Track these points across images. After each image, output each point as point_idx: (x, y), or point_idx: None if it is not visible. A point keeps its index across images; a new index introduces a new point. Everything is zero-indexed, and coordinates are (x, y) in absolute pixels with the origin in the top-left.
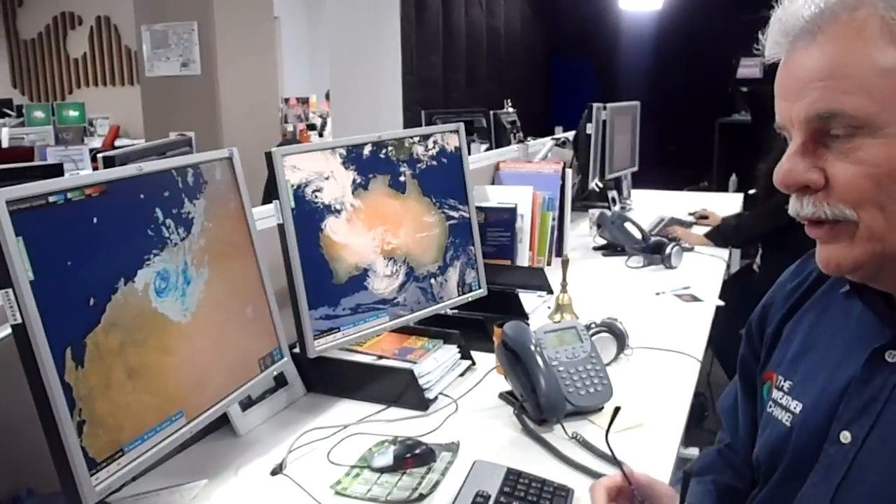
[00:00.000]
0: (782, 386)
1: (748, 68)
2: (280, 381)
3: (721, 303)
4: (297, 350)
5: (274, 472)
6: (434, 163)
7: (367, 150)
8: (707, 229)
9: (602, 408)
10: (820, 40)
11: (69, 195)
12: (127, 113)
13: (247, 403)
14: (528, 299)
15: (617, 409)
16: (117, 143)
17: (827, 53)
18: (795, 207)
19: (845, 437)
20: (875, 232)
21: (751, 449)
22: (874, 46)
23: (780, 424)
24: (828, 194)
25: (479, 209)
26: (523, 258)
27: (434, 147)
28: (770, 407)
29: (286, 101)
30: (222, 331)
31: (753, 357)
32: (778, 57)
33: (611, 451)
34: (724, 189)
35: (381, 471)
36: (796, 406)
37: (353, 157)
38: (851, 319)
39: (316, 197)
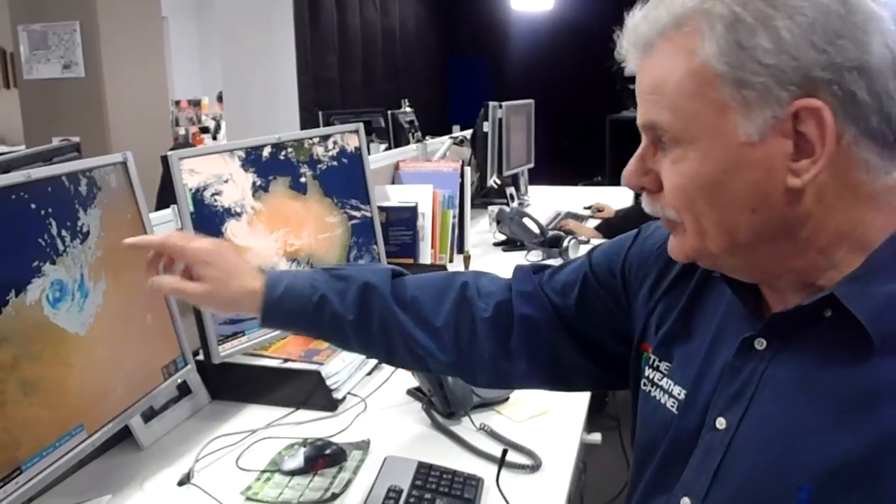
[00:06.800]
0: (658, 366)
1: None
2: (183, 390)
3: None
4: (200, 357)
5: (181, 483)
6: (335, 163)
7: (266, 152)
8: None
9: (508, 398)
10: (651, 55)
11: None
12: (3, 117)
13: (149, 415)
14: None
15: (505, 452)
16: None
17: (652, 69)
18: (644, 204)
19: (721, 423)
20: (698, 231)
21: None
22: (684, 69)
23: (666, 410)
24: (660, 197)
25: (381, 209)
26: (426, 256)
27: (334, 147)
28: (646, 385)
29: (177, 103)
30: (122, 340)
31: (603, 288)
32: (635, 68)
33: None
34: (617, 183)
35: (293, 473)
36: (680, 392)
37: (252, 159)
38: (723, 304)
39: (215, 200)
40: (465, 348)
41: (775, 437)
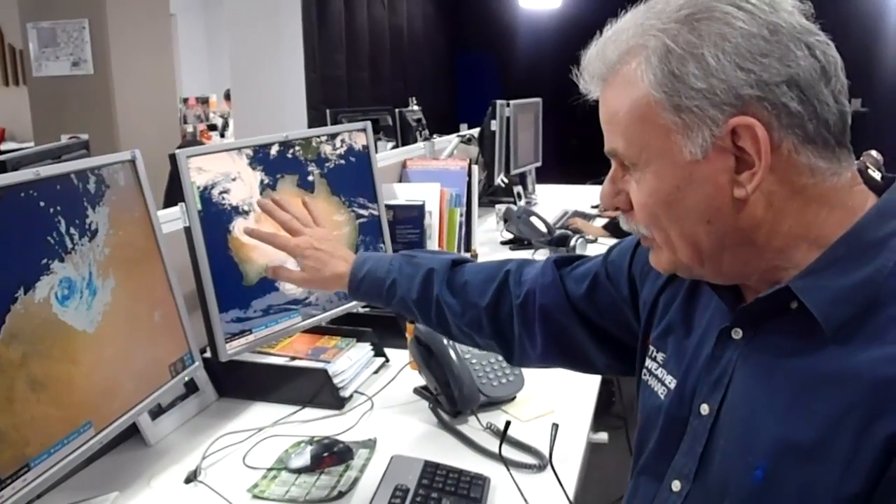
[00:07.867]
0: (655, 357)
1: None
2: (190, 387)
3: None
4: (207, 355)
5: (188, 480)
6: (342, 161)
7: (274, 150)
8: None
9: (514, 397)
10: (605, 88)
11: None
12: (12, 114)
13: (156, 412)
14: None
15: (507, 424)
16: (3, 146)
17: (608, 100)
18: (621, 223)
19: (704, 409)
20: (668, 244)
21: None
22: (630, 99)
23: (656, 397)
24: (633, 215)
25: (388, 207)
26: None
27: (342, 146)
28: (645, 375)
29: (185, 101)
30: (130, 338)
31: (612, 283)
32: (597, 95)
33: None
34: None
35: (299, 471)
36: (671, 381)
37: (260, 157)
38: (714, 299)
39: (223, 198)
40: (502, 329)
41: (741, 421)
